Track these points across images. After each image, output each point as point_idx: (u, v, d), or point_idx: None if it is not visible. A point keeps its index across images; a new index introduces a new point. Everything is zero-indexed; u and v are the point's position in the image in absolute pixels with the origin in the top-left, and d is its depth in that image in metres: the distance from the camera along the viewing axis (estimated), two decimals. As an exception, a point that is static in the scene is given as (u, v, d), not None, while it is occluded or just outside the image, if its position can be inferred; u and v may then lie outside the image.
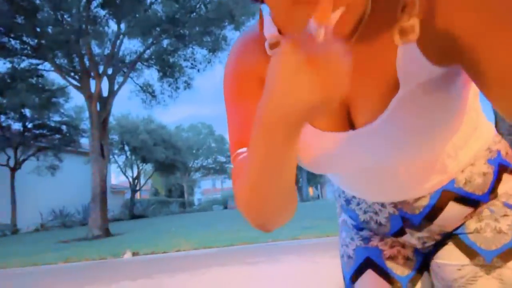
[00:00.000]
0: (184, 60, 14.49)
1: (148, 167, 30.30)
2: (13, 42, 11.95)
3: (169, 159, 27.50)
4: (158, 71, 14.57)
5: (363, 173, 0.64)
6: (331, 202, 19.98)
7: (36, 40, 11.92)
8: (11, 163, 16.76)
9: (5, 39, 11.75)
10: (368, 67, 0.50)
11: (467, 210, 0.65)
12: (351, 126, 0.56)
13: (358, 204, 0.74)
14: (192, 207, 32.14)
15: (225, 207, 28.57)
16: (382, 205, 0.70)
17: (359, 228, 0.80)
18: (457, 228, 0.68)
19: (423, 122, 0.51)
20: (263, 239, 7.17)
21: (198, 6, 12.40)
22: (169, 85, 15.09)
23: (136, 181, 28.19)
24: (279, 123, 0.39)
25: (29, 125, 17.26)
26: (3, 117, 16.14)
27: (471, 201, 0.65)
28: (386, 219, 0.71)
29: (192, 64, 14.60)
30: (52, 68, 12.55)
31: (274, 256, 4.82)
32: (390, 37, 0.46)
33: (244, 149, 0.55)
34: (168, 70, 14.44)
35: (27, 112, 16.62)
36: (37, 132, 17.18)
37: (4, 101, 14.48)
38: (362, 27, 0.47)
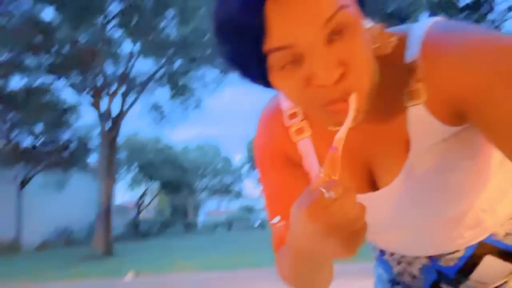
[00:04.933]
0: (195, 80, 14.75)
1: (154, 186, 30.30)
2: (29, 59, 12.31)
3: (175, 179, 27.51)
4: (169, 91, 14.81)
5: (391, 230, 0.63)
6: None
7: (52, 59, 12.27)
8: (19, 178, 16.89)
9: (23, 57, 12.11)
10: (383, 131, 0.52)
11: (508, 265, 0.60)
12: (376, 187, 0.57)
13: (392, 254, 0.71)
14: (196, 228, 31.83)
15: (229, 229, 28.23)
16: (415, 256, 0.67)
17: (394, 282, 0.76)
18: (498, 287, 0.62)
19: (440, 182, 0.51)
20: (267, 263, 7.01)
21: (210, 29, 12.69)
22: (180, 105, 15.31)
23: (141, 200, 28.14)
24: (304, 259, 0.48)
25: (40, 141, 17.49)
26: (15, 133, 16.40)
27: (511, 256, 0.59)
28: (420, 270, 0.67)
29: (202, 85, 14.85)
30: (65, 86, 12.86)
31: (280, 282, 4.70)
32: (399, 101, 0.49)
33: (278, 219, 0.60)
34: (179, 91, 14.67)
35: (39, 128, 16.89)
36: (47, 148, 17.38)
37: (18, 116, 14.76)
38: (371, 97, 0.49)
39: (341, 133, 0.41)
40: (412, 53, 0.47)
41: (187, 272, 7.27)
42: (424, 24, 0.48)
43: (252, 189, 41.73)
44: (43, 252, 14.48)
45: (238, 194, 37.95)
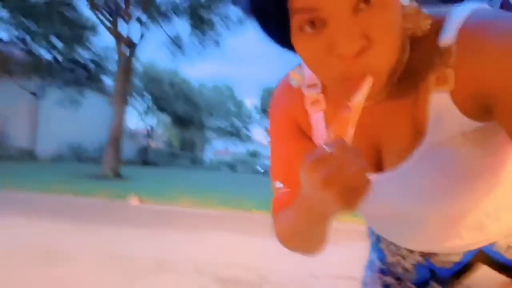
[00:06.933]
0: (218, 16, 14.25)
1: (166, 118, 30.75)
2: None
3: (187, 114, 27.82)
4: (190, 24, 14.40)
5: (389, 217, 0.62)
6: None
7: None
8: (38, 91, 17.23)
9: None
10: (401, 113, 0.50)
11: (503, 278, 0.58)
12: (381, 169, 0.56)
13: (388, 244, 0.70)
14: (202, 164, 32.79)
15: (233, 170, 29.04)
16: (410, 250, 0.65)
17: (385, 272, 0.76)
18: None
19: (446, 175, 0.50)
20: (268, 208, 7.27)
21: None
22: (199, 40, 14.97)
23: (152, 129, 28.78)
24: (309, 217, 0.49)
25: (59, 57, 17.51)
26: (34, 45, 16.38)
27: (509, 270, 0.57)
28: (412, 266, 0.66)
29: (224, 22, 14.37)
30: (87, 4, 12.53)
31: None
32: (424, 84, 0.47)
33: (280, 184, 0.64)
34: (200, 25, 14.25)
35: (58, 44, 16.81)
36: (65, 64, 17.44)
37: (38, 30, 14.64)
38: (396, 79, 0.48)
39: (358, 100, 0.41)
40: (447, 37, 0.45)
41: (188, 205, 7.64)
42: (465, 10, 0.46)
43: (260, 135, 42.13)
44: (55, 164, 15.19)
45: (247, 138, 38.48)
